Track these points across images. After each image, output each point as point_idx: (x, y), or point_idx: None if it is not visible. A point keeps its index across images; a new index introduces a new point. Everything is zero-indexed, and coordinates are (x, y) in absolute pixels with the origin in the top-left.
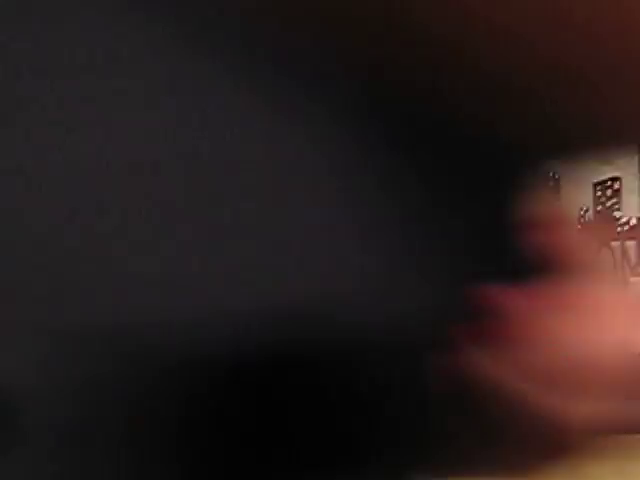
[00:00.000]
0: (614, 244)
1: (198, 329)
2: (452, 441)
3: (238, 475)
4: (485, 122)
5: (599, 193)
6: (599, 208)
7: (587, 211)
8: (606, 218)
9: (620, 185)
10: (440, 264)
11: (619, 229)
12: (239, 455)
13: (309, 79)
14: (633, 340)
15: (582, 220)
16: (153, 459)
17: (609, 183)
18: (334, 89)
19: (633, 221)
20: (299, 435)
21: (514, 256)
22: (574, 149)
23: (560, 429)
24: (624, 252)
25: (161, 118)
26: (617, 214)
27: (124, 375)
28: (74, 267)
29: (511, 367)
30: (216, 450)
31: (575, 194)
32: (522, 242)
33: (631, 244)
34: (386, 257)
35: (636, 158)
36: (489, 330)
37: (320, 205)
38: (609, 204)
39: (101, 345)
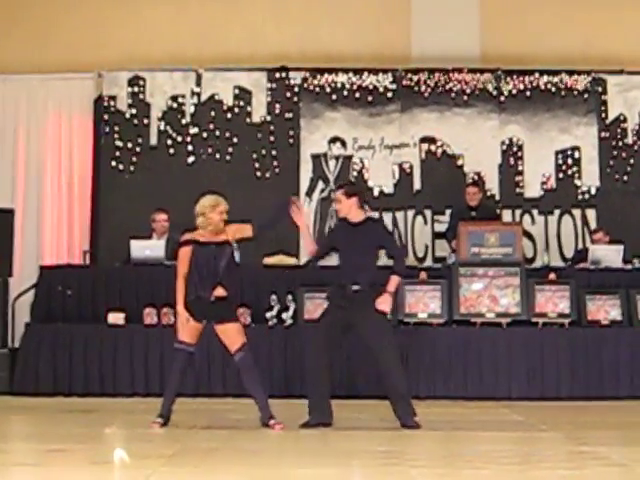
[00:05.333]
0: (575, 211)
1: None
2: None
3: None
4: None
5: (560, 161)
6: (561, 176)
7: (549, 178)
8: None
9: (580, 154)
10: None
11: (580, 197)
12: None
13: None
14: None
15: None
16: None
17: (570, 152)
18: None
19: (593, 190)
20: None
21: None
22: None
23: None
24: (584, 219)
25: None
26: (577, 182)
27: None
28: None
29: None
30: None
31: (538, 161)
32: None
33: (591, 212)
34: None
35: (595, 128)
36: None
37: None
38: (570, 172)
39: None
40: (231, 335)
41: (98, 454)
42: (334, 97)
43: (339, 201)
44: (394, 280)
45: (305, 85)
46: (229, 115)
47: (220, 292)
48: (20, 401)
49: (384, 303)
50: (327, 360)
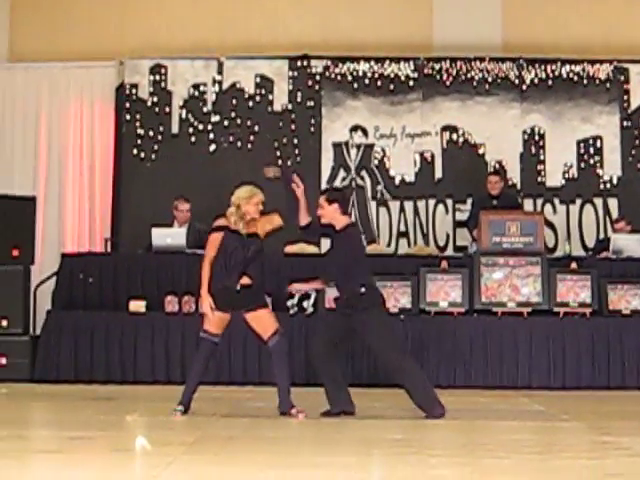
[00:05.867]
0: (597, 201)
1: None
2: None
3: None
4: None
5: (582, 150)
6: (582, 165)
7: (571, 167)
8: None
9: (602, 143)
10: None
11: (602, 186)
12: None
13: None
14: None
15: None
16: None
17: (592, 141)
18: None
19: (615, 179)
20: None
21: None
22: None
23: None
24: (606, 208)
25: None
26: (599, 171)
27: None
28: None
29: None
30: None
31: (560, 150)
32: None
33: (613, 201)
34: None
35: (617, 117)
36: None
37: None
38: (592, 162)
39: None
40: (263, 321)
41: (119, 441)
42: (356, 85)
43: (321, 207)
44: (316, 282)
45: (327, 73)
46: (250, 103)
47: (246, 280)
48: (41, 388)
49: (295, 287)
50: (331, 349)
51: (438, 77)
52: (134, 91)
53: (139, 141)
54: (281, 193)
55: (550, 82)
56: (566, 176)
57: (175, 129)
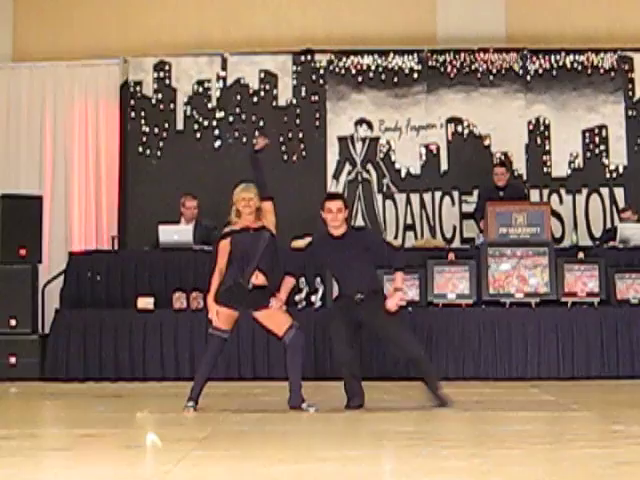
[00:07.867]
0: (603, 190)
1: None
2: None
3: None
4: None
5: (588, 140)
6: (588, 155)
7: (577, 157)
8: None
9: (607, 133)
10: None
11: (608, 175)
12: None
13: None
14: None
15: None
16: None
17: (597, 131)
18: None
19: (620, 168)
20: None
21: None
22: None
23: None
24: (612, 198)
25: None
26: (605, 161)
27: None
28: None
29: None
30: None
31: (565, 140)
32: None
33: (619, 190)
34: None
35: (622, 107)
36: None
37: None
38: (597, 151)
39: None
40: (276, 318)
41: (130, 438)
42: (360, 79)
43: (339, 211)
44: (399, 276)
45: (331, 67)
46: (255, 99)
47: (260, 280)
48: (51, 387)
49: (394, 299)
50: (354, 351)
51: (442, 69)
52: (138, 88)
53: (144, 138)
54: (278, 188)
55: (554, 72)
56: (572, 166)
57: (180, 126)
